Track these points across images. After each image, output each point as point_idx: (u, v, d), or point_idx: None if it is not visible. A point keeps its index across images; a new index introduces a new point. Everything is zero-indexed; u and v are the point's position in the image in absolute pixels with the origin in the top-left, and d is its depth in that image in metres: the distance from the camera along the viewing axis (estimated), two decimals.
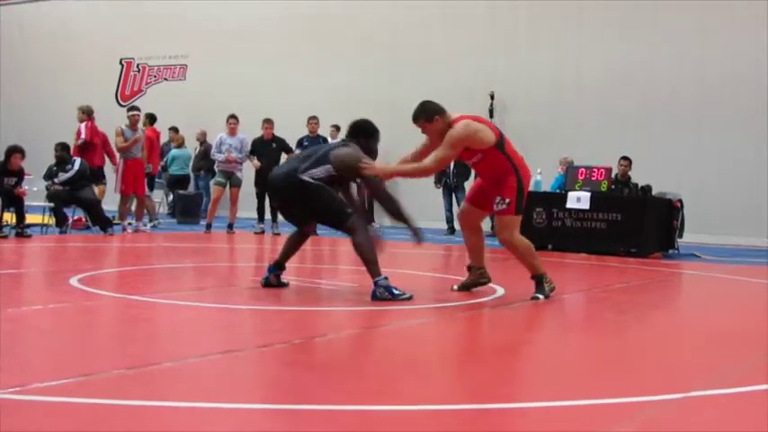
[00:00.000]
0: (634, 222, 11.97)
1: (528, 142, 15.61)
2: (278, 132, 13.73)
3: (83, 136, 13.47)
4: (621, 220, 12.01)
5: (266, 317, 5.81)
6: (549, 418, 3.41)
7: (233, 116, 13.68)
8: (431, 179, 15.31)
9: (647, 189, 12.52)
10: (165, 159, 17.29)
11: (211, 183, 15.27)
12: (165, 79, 21.58)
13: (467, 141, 6.45)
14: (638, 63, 15.98)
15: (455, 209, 14.13)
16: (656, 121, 15.82)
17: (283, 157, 13.14)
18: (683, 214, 12.71)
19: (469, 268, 7.07)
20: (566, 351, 5.03)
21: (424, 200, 15.94)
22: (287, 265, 6.88)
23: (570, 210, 12.25)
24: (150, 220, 14.12)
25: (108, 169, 14.23)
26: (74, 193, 12.21)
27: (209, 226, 13.43)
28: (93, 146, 13.59)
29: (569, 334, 5.80)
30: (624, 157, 13.11)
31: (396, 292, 6.28)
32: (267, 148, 13.44)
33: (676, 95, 15.71)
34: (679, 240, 12.72)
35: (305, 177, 6.38)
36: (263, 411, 3.40)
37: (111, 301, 6.19)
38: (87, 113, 13.80)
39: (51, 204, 12.19)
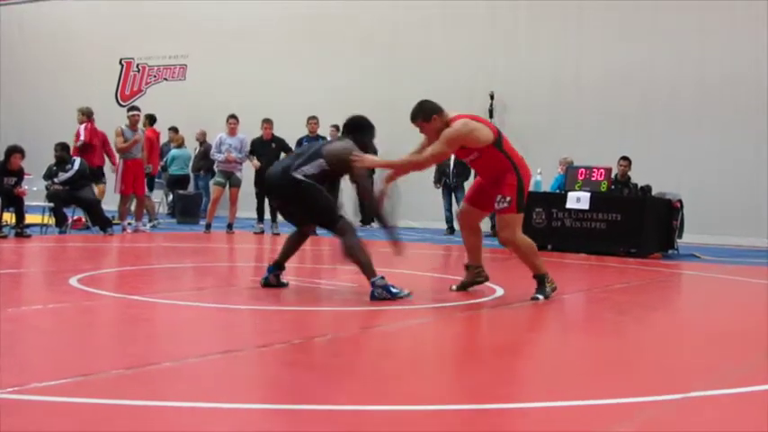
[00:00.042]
0: (634, 223, 11.97)
1: (528, 142, 15.60)
2: (278, 132, 13.74)
3: (81, 138, 13.48)
4: (621, 221, 12.01)
5: (266, 317, 5.81)
6: (549, 418, 3.41)
7: (233, 116, 13.69)
8: (430, 179, 15.32)
9: (647, 189, 12.52)
10: (164, 159, 17.30)
11: (211, 183, 15.27)
12: (165, 79, 21.57)
13: (462, 140, 6.46)
14: (637, 63, 15.97)
15: (455, 209, 14.13)
16: (655, 122, 15.82)
17: (282, 156, 13.14)
18: (682, 214, 12.71)
19: (467, 267, 7.08)
20: (565, 351, 5.03)
21: (423, 200, 15.96)
22: (286, 265, 6.89)
23: (570, 210, 12.25)
24: (150, 220, 14.12)
25: (107, 169, 14.23)
26: (73, 193, 12.21)
27: (208, 226, 13.43)
28: (92, 147, 13.60)
29: (569, 334, 5.80)
30: (624, 158, 13.11)
31: (394, 290, 6.28)
32: (266, 148, 13.44)
33: (676, 95, 15.71)
34: (679, 241, 12.72)
35: (298, 175, 6.40)
36: (262, 411, 3.40)
37: (111, 301, 6.19)
38: (87, 115, 13.81)
39: (51, 204, 12.19)
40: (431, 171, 14.90)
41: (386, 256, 6.89)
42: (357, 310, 6.09)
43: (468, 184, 12.77)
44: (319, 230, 10.37)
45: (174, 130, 18.07)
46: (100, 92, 21.05)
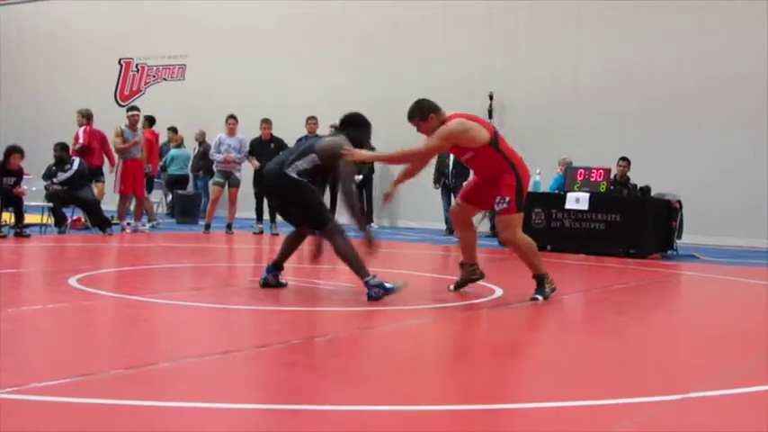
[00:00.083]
0: (633, 223, 11.97)
1: (527, 143, 15.60)
2: (277, 132, 13.73)
3: (80, 141, 13.48)
4: (620, 221, 12.01)
5: (265, 317, 5.81)
6: (548, 418, 3.41)
7: (232, 116, 13.69)
8: (429, 180, 15.32)
9: (646, 190, 12.52)
10: (163, 159, 17.30)
11: (210, 183, 15.27)
12: (164, 79, 21.57)
13: (457, 138, 6.47)
14: (637, 63, 15.97)
15: None
16: (655, 122, 15.82)
17: None
18: (681, 215, 12.72)
19: (462, 265, 7.08)
20: (565, 352, 5.03)
21: (423, 200, 15.97)
22: (285, 265, 6.89)
23: (569, 210, 12.25)
24: (149, 221, 14.11)
25: (106, 169, 14.22)
26: (73, 193, 12.21)
27: (207, 226, 13.43)
28: (91, 149, 13.59)
29: (568, 334, 5.80)
30: (623, 158, 13.12)
31: (388, 286, 6.28)
32: (265, 148, 13.43)
33: (676, 96, 15.70)
34: (678, 241, 12.72)
35: (291, 173, 6.43)
36: (261, 411, 3.40)
37: (110, 301, 6.19)
38: (86, 117, 13.81)
39: (50, 204, 12.19)
40: (430, 172, 14.90)
41: (385, 256, 6.89)
42: (356, 311, 6.09)
43: None
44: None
45: (173, 130, 18.07)
46: (99, 92, 21.06)
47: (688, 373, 4.38)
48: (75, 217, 12.92)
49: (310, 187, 6.43)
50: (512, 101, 16.96)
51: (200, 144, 17.99)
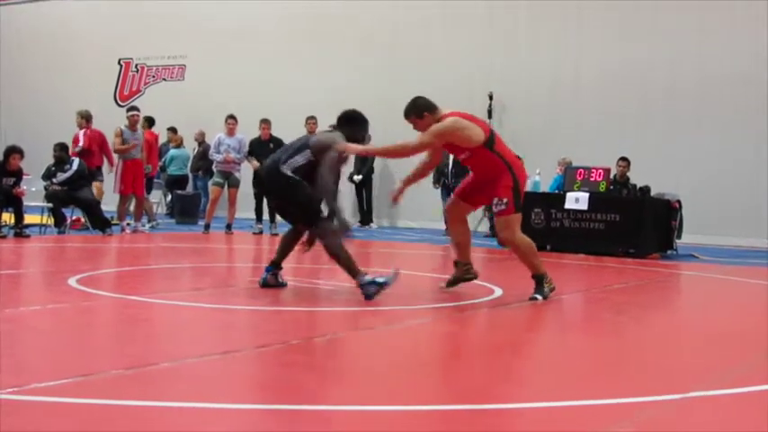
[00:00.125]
0: (632, 223, 11.97)
1: (527, 143, 15.64)
2: (277, 133, 13.72)
3: (81, 144, 13.46)
4: (620, 221, 12.01)
5: (264, 317, 5.81)
6: (548, 418, 3.42)
7: (231, 116, 13.69)
8: (429, 180, 15.31)
9: (646, 190, 12.52)
10: (163, 160, 17.29)
11: (210, 183, 15.27)
12: (164, 79, 21.56)
13: (450, 136, 6.48)
14: (637, 63, 15.97)
15: None
16: (655, 122, 15.82)
17: None
18: (681, 215, 12.72)
19: (456, 263, 7.07)
20: (564, 351, 5.03)
21: (422, 200, 15.97)
22: (284, 264, 6.89)
23: (569, 210, 12.25)
24: (148, 221, 14.11)
25: (105, 169, 14.20)
26: (72, 194, 12.21)
27: (207, 226, 13.43)
28: (90, 151, 13.59)
29: (568, 334, 5.80)
30: (623, 158, 13.12)
31: (381, 280, 6.28)
32: (265, 148, 13.41)
33: (676, 96, 15.70)
34: (678, 241, 12.72)
35: (285, 170, 6.46)
36: (261, 412, 3.40)
37: (110, 301, 6.19)
38: (86, 119, 13.80)
39: (50, 205, 12.19)
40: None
41: (384, 256, 6.89)
42: (355, 311, 6.09)
43: None
44: None
45: (172, 130, 18.07)
46: (98, 92, 21.06)
47: (688, 373, 4.38)
48: (74, 217, 12.92)
49: (304, 185, 6.44)
50: (512, 101, 16.97)
51: (199, 144, 17.98)
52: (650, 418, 3.43)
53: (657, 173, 14.08)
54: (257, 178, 6.93)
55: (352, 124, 6.78)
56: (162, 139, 17.28)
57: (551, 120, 16.60)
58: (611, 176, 12.67)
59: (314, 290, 7.26)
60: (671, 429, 3.37)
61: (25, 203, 11.51)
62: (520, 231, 6.73)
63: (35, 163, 13.89)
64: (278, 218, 12.27)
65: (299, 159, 6.48)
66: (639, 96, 15.98)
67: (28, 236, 11.09)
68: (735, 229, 14.95)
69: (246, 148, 13.54)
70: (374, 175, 17.50)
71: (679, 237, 12.74)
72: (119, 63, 22.06)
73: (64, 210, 12.41)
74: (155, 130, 15.50)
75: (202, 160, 17.33)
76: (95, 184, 13.67)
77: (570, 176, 12.62)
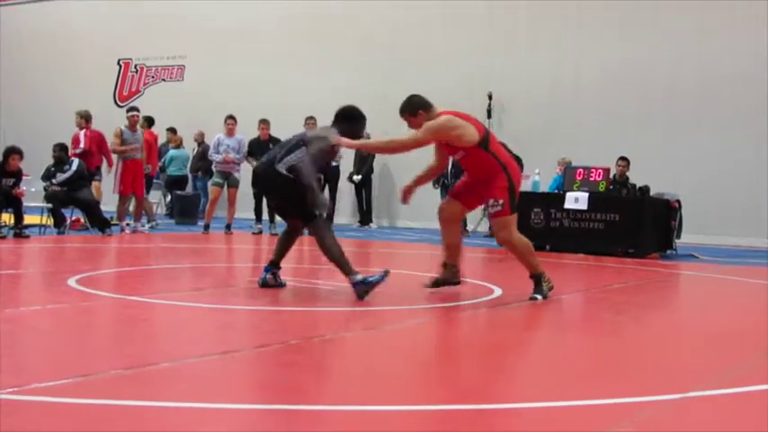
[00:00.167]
0: (632, 223, 11.98)
1: (527, 143, 15.66)
2: (276, 133, 13.71)
3: (82, 145, 13.45)
4: (619, 221, 12.02)
5: (264, 317, 5.81)
6: (547, 418, 3.42)
7: (231, 117, 13.69)
8: None
9: (645, 189, 12.52)
10: (162, 160, 17.30)
11: (209, 183, 15.28)
12: (163, 80, 21.57)
13: (444, 134, 6.48)
14: (637, 63, 15.98)
15: None
16: (655, 122, 15.83)
17: None
18: (680, 215, 12.72)
19: (444, 265, 6.99)
20: (563, 351, 5.03)
21: (422, 200, 15.87)
22: (283, 265, 6.89)
23: (568, 210, 12.25)
24: (148, 221, 14.11)
25: (104, 170, 14.19)
26: (72, 194, 12.21)
27: (206, 227, 13.43)
28: (90, 152, 13.58)
29: (567, 334, 5.80)
30: (622, 158, 13.12)
31: (371, 280, 6.29)
32: (264, 148, 13.39)
33: (676, 95, 15.71)
34: (677, 241, 12.73)
35: (281, 168, 6.47)
36: (260, 412, 3.40)
37: (110, 301, 6.19)
38: (86, 119, 13.80)
39: (49, 205, 12.19)
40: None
41: (384, 256, 6.89)
42: (354, 311, 6.09)
43: None
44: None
45: (171, 130, 18.07)
46: (98, 93, 21.07)
47: (687, 373, 4.39)
48: (74, 218, 12.93)
49: (298, 183, 6.44)
50: (512, 101, 16.97)
51: (199, 145, 17.99)
52: (650, 418, 3.43)
53: (657, 173, 14.08)
54: (255, 177, 6.94)
55: (350, 120, 6.79)
56: (161, 140, 17.28)
57: (551, 120, 16.60)
58: (611, 176, 12.67)
59: (313, 290, 7.26)
60: (670, 429, 3.37)
61: (25, 204, 11.51)
62: (517, 231, 6.73)
63: (35, 163, 13.89)
64: (277, 218, 12.30)
65: (294, 157, 6.49)
66: (639, 96, 15.99)
67: (27, 236, 11.09)
68: (734, 228, 14.95)
69: (246, 149, 13.54)
70: (374, 176, 17.49)
71: (678, 236, 12.75)
72: (118, 63, 22.06)
73: (63, 210, 12.41)
74: (154, 130, 15.50)
75: (202, 161, 17.33)
76: (94, 184, 13.67)
77: (570, 176, 12.62)
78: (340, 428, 3.19)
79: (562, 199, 12.34)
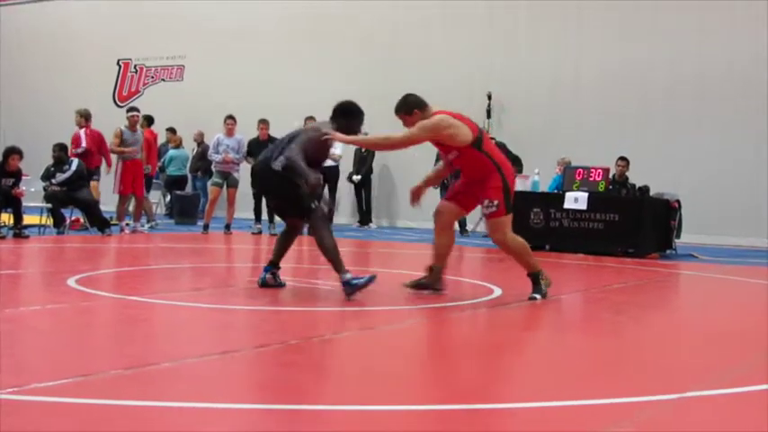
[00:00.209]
0: (631, 223, 11.98)
1: (526, 143, 15.66)
2: (276, 133, 13.70)
3: (83, 144, 13.44)
4: (619, 221, 12.01)
5: (263, 317, 5.81)
6: (547, 418, 3.42)
7: (230, 117, 13.69)
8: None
9: (645, 189, 12.52)
10: (162, 160, 17.30)
11: (208, 183, 15.29)
12: (163, 80, 21.57)
13: (438, 132, 6.48)
14: (637, 63, 15.98)
15: None
16: (655, 122, 15.83)
17: None
18: (680, 215, 12.72)
19: (431, 268, 6.89)
20: (563, 351, 5.03)
21: (423, 200, 15.95)
22: (283, 265, 6.89)
23: (568, 210, 12.25)
24: (147, 221, 14.11)
25: (102, 170, 14.17)
26: (71, 194, 12.21)
27: (206, 227, 13.43)
28: (89, 151, 13.58)
29: (567, 334, 5.80)
30: (622, 158, 13.12)
31: (356, 282, 6.31)
32: (263, 148, 13.31)
33: (675, 95, 15.71)
34: (677, 241, 12.73)
35: (276, 166, 6.48)
36: (260, 412, 3.40)
37: (109, 301, 6.19)
38: (85, 117, 13.78)
39: (49, 205, 12.19)
40: (429, 171, 14.88)
41: (384, 256, 6.89)
42: (354, 311, 6.09)
43: None
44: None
45: (171, 130, 18.07)
46: (97, 93, 21.05)
47: (687, 373, 4.39)
48: (73, 218, 12.92)
49: (294, 180, 6.45)
50: (511, 101, 16.97)
51: (198, 145, 17.99)
52: (649, 418, 3.43)
53: (657, 173, 14.08)
54: (252, 177, 6.96)
55: (348, 116, 6.78)
56: (161, 140, 17.27)
57: (551, 120, 16.60)
58: (611, 176, 12.67)
59: (312, 290, 7.26)
60: (670, 429, 3.37)
61: (24, 204, 11.51)
62: (512, 232, 6.71)
63: (34, 163, 13.89)
64: (277, 218, 12.30)
65: (287, 153, 6.51)
66: (639, 96, 15.99)
67: (27, 236, 11.09)
68: (734, 228, 14.95)
69: (245, 149, 13.54)
70: (373, 176, 17.49)
71: (678, 236, 12.75)
72: (117, 64, 22.06)
73: (63, 210, 12.41)
74: (153, 129, 15.49)
75: (201, 161, 17.33)
76: (92, 184, 13.66)
77: (569, 176, 12.62)
78: (340, 428, 3.19)
79: (562, 199, 12.34)
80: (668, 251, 12.52)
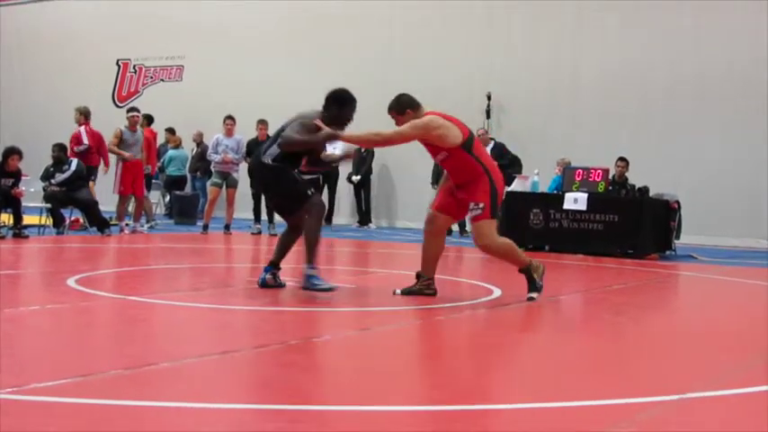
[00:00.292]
0: (631, 223, 11.98)
1: (525, 143, 15.67)
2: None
3: (85, 141, 13.42)
4: (618, 222, 12.02)
5: (263, 317, 5.81)
6: (546, 418, 3.42)
7: (230, 117, 13.69)
8: (427, 180, 15.31)
9: (645, 190, 12.52)
10: (161, 160, 17.30)
11: (208, 184, 15.29)
12: (162, 80, 21.56)
13: (428, 132, 6.46)
14: (636, 63, 15.98)
15: None
16: (654, 122, 15.83)
17: None
18: (680, 215, 12.72)
19: (418, 276, 6.82)
20: (563, 352, 5.03)
21: (421, 200, 15.95)
22: (282, 265, 6.89)
23: (567, 211, 12.24)
24: (147, 221, 14.11)
25: (100, 170, 14.15)
26: (71, 194, 12.21)
27: (205, 227, 13.43)
28: (90, 150, 13.58)
29: (566, 335, 5.80)
30: (621, 158, 13.12)
31: (316, 284, 6.37)
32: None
33: (675, 96, 15.71)
34: (676, 242, 12.73)
35: (266, 160, 6.53)
36: (259, 412, 3.40)
37: (109, 301, 6.19)
38: (85, 115, 13.77)
39: (48, 205, 12.19)
40: (428, 172, 14.90)
41: (384, 256, 6.88)
42: (354, 311, 6.09)
43: None
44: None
45: (170, 131, 18.07)
46: (97, 93, 21.03)
47: (686, 374, 4.39)
48: (73, 218, 12.92)
49: (285, 170, 6.50)
50: (511, 101, 16.97)
51: (197, 145, 17.99)
52: (649, 419, 3.43)
53: (656, 173, 14.09)
54: (249, 175, 6.99)
55: (340, 104, 6.77)
56: (160, 140, 17.27)
57: (550, 120, 16.60)
58: (610, 177, 12.67)
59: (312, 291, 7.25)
60: (670, 429, 3.37)
61: (24, 204, 11.51)
62: (496, 236, 6.67)
63: (34, 163, 13.89)
64: (276, 218, 12.30)
65: (277, 148, 6.53)
66: (639, 96, 15.99)
67: (27, 236, 11.09)
68: (734, 229, 14.95)
69: (244, 149, 13.54)
70: (373, 176, 17.50)
71: (678, 237, 12.75)
72: (117, 64, 22.06)
73: (63, 210, 12.40)
74: (153, 128, 15.49)
75: (201, 161, 17.33)
76: (89, 183, 13.65)
77: (569, 177, 12.62)
78: (339, 428, 3.19)
79: (561, 199, 12.34)
80: (668, 252, 12.52)
